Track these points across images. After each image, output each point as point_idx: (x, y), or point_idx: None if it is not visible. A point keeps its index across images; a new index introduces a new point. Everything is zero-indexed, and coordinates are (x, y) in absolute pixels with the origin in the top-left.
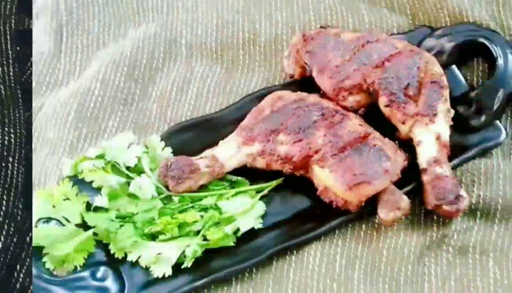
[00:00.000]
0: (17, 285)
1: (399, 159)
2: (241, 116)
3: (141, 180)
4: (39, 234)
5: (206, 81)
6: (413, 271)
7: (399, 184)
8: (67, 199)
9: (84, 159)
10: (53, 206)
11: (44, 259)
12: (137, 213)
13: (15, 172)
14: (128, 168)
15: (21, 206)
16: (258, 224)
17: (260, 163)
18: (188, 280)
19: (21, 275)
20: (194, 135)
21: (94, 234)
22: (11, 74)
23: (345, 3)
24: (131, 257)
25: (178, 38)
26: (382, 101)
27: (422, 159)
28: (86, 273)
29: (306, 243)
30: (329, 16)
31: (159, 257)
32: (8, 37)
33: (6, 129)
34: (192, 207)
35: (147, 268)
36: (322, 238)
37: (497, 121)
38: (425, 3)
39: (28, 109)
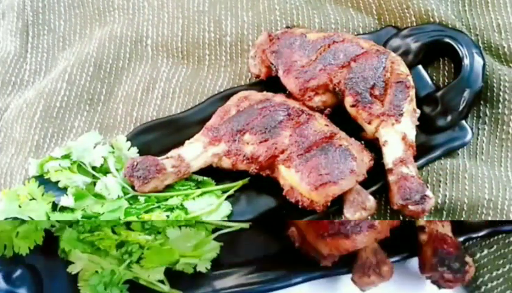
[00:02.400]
0: None
1: (365, 159)
2: (207, 116)
3: (107, 180)
4: None
5: (172, 81)
6: None
7: (365, 183)
8: (33, 199)
9: (50, 159)
10: (19, 206)
11: None
12: (103, 213)
13: None
14: (94, 168)
15: None
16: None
17: (226, 163)
18: None
19: None
20: (160, 135)
21: None
22: None
23: (312, 3)
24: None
25: (144, 38)
26: (348, 101)
27: (388, 159)
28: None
29: None
30: (295, 16)
31: None
32: None
33: None
34: (158, 207)
35: None
36: None
37: (463, 121)
38: (391, 4)
39: None
